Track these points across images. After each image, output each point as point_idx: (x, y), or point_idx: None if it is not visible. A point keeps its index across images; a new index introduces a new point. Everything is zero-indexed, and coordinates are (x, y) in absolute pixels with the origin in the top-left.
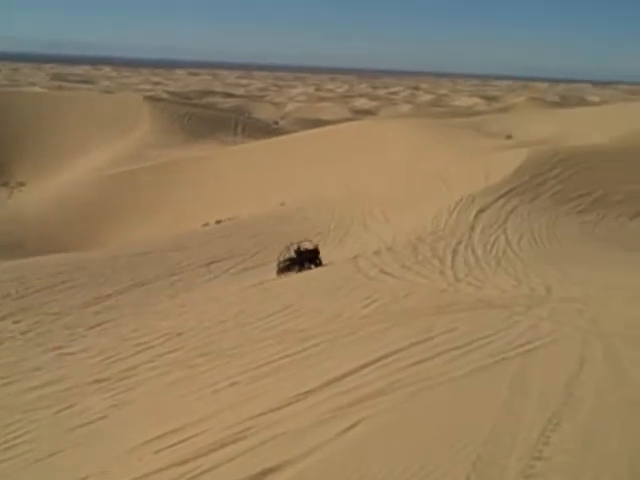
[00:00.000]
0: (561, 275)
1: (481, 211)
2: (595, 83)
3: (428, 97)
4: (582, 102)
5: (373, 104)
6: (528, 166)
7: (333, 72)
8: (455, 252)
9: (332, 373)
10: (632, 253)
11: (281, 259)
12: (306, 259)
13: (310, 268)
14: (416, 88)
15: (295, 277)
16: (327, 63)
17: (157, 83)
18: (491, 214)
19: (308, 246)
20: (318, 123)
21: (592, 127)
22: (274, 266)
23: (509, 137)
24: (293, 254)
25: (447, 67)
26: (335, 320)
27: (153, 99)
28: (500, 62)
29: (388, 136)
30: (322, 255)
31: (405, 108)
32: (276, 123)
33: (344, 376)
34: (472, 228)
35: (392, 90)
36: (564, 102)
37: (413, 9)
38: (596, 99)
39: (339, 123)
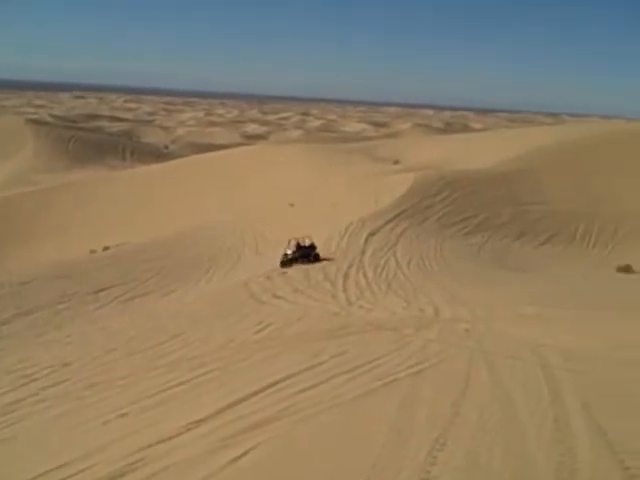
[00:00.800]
0: (449, 296)
1: (371, 235)
2: (477, 111)
3: (318, 123)
4: (466, 129)
5: (264, 129)
6: (415, 190)
7: (222, 97)
8: (347, 275)
9: (224, 401)
10: (516, 273)
11: (283, 254)
12: (305, 253)
13: (310, 261)
14: (306, 114)
15: (187, 303)
16: (216, 88)
17: (41, 106)
18: (381, 237)
19: (307, 242)
20: (210, 148)
21: (476, 152)
22: (167, 292)
23: (397, 162)
24: (294, 249)
25: (335, 94)
26: (227, 346)
27: (36, 122)
28: (387, 89)
29: (280, 161)
30: (216, 279)
31: (296, 133)
32: (166, 147)
33: (236, 403)
34: (363, 251)
35: (282, 116)
36: (449, 129)
37: (300, 36)
38: (479, 126)
39: (231, 148)
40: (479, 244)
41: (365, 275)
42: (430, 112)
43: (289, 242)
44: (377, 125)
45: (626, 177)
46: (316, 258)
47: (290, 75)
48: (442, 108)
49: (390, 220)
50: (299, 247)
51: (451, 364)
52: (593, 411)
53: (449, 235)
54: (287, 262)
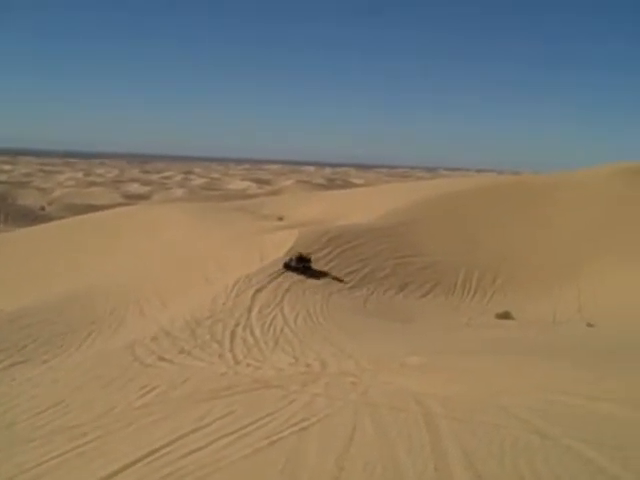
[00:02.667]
0: (336, 349)
1: (258, 291)
2: (358, 167)
3: (201, 181)
4: (347, 184)
5: (146, 188)
6: (300, 246)
7: (103, 157)
8: (234, 334)
9: (101, 472)
10: (401, 324)
11: (286, 261)
12: (302, 264)
13: (305, 269)
14: (189, 172)
15: (67, 370)
16: (97, 148)
17: None
18: (268, 294)
19: (304, 255)
20: (89, 208)
21: (358, 207)
22: (46, 358)
23: (281, 218)
24: (294, 259)
25: (218, 152)
26: (109, 414)
27: None
28: (269, 147)
29: (163, 220)
30: (99, 343)
31: (179, 192)
32: (43, 209)
33: (116, 473)
34: (250, 309)
35: (165, 174)
36: (331, 184)
37: (180, 94)
38: (360, 181)
39: (111, 208)
40: (364, 297)
41: (252, 333)
42: (312, 169)
43: (291, 253)
44: (261, 182)
45: (501, 226)
46: (308, 269)
47: (172, 134)
48: (323, 165)
49: (276, 276)
50: (300, 259)
51: (337, 418)
52: (472, 457)
53: (335, 289)
54: (288, 267)
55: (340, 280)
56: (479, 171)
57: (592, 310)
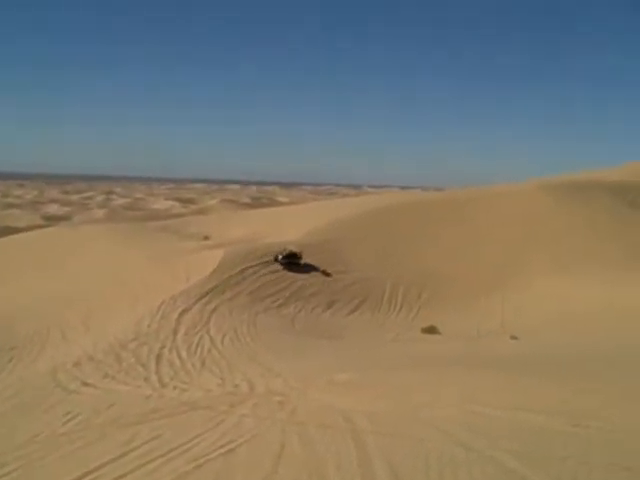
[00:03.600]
0: (264, 369)
1: (184, 312)
2: (283, 185)
3: (123, 201)
4: (273, 203)
5: (66, 209)
6: (226, 265)
7: (21, 178)
8: (159, 357)
9: None
10: (329, 341)
11: (278, 257)
12: (292, 259)
13: (292, 264)
14: (110, 192)
15: None
16: (15, 169)
17: None
18: (194, 315)
19: (295, 250)
20: (7, 230)
21: (284, 225)
22: None
23: (207, 238)
24: (286, 254)
25: (140, 171)
26: (31, 442)
27: None
28: (193, 166)
29: (86, 241)
30: (19, 370)
31: (100, 213)
32: None
33: None
34: (175, 331)
35: (85, 195)
36: (256, 203)
37: (100, 117)
38: (285, 199)
39: (30, 230)
40: (292, 315)
41: (179, 355)
42: (237, 187)
43: (284, 250)
44: (185, 202)
45: (426, 241)
46: (297, 264)
47: (93, 154)
48: (248, 183)
49: (202, 297)
50: (290, 255)
51: (265, 438)
52: (399, 472)
53: (262, 308)
54: (279, 263)
55: (328, 274)
56: (403, 188)
57: (515, 323)
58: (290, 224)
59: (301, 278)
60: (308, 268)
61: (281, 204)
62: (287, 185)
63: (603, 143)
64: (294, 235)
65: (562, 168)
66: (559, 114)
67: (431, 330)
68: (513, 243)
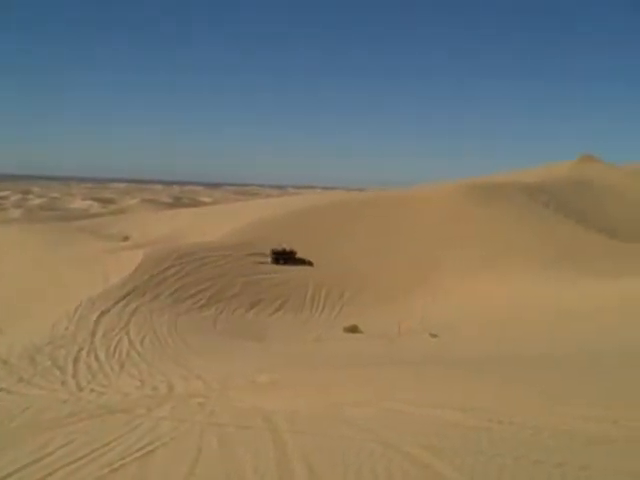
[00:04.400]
0: (185, 371)
1: (102, 314)
2: (206, 185)
3: (40, 201)
4: (195, 203)
5: None
6: (146, 266)
7: None
8: (77, 359)
9: None
10: (251, 342)
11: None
12: (286, 256)
13: (287, 262)
14: (26, 192)
15: None
16: None
17: None
18: (113, 317)
19: (287, 248)
20: None
21: (206, 225)
22: None
23: (126, 238)
24: (280, 251)
25: (59, 171)
26: None
27: None
28: (114, 165)
29: (1, 243)
30: None
31: (16, 213)
32: None
33: None
34: (94, 333)
35: (0, 194)
36: (178, 203)
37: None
38: (208, 200)
39: None
40: (214, 316)
41: (97, 357)
42: (159, 187)
43: (279, 246)
44: (104, 202)
45: (348, 241)
46: (293, 260)
47: (9, 152)
48: (170, 183)
49: (121, 298)
50: (284, 252)
51: (182, 441)
52: (317, 470)
53: (184, 309)
54: (274, 261)
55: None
56: (326, 188)
57: (436, 321)
58: (212, 224)
59: (223, 279)
60: (298, 262)
61: (204, 204)
62: (210, 185)
63: (519, 144)
64: (216, 235)
65: (480, 170)
66: (480, 116)
67: (353, 329)
68: (434, 243)
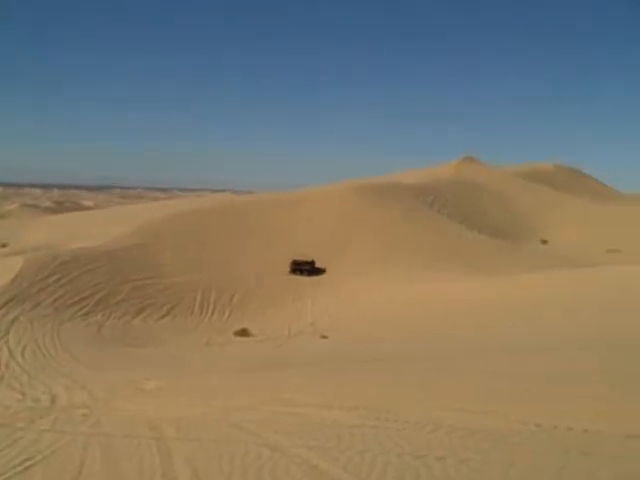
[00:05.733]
0: (68, 381)
1: None
2: (89, 188)
3: None
4: (78, 207)
5: None
6: (26, 273)
7: None
8: None
9: None
10: (139, 349)
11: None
12: (305, 268)
13: (307, 273)
14: None
15: None
16: None
17: None
18: None
19: (307, 259)
20: None
21: (90, 230)
22: None
23: (4, 245)
24: (301, 261)
25: None
26: None
27: None
28: None
29: None
30: None
31: None
32: None
33: None
34: None
35: None
36: (59, 208)
37: None
38: (91, 203)
39: None
40: (99, 323)
41: None
42: (38, 191)
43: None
44: None
45: (237, 244)
46: (314, 271)
47: None
48: (51, 187)
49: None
50: (305, 262)
51: (64, 453)
52: (202, 476)
53: (67, 317)
54: (293, 271)
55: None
56: (214, 191)
57: (325, 322)
58: (96, 229)
59: (108, 285)
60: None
61: (87, 208)
62: (93, 188)
63: (405, 145)
64: (100, 240)
65: (365, 171)
66: (368, 117)
67: (243, 333)
68: (325, 244)
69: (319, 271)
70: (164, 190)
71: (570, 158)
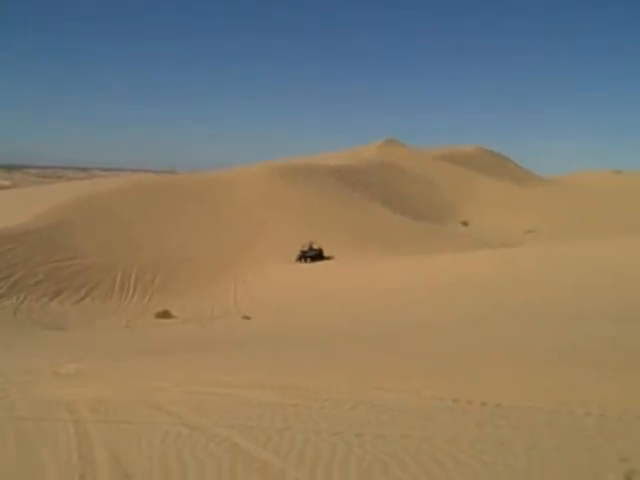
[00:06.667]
0: None
1: None
2: (2, 167)
3: None
4: None
5: None
6: None
7: None
8: None
9: None
10: (57, 332)
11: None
12: (313, 254)
13: (316, 259)
14: None
15: None
16: None
17: None
18: None
19: (315, 246)
20: None
21: (5, 210)
22: None
23: None
24: (307, 249)
25: None
26: None
27: None
28: None
29: None
30: None
31: None
32: None
33: None
34: None
35: None
36: None
37: None
38: (6, 183)
39: None
40: (15, 306)
41: None
42: None
43: (303, 245)
44: None
45: (159, 225)
46: (322, 257)
47: None
48: None
49: None
50: (311, 249)
51: None
52: (122, 459)
53: None
54: (301, 258)
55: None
56: (134, 171)
57: (249, 303)
58: (12, 209)
59: (24, 267)
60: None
61: (2, 188)
62: (8, 167)
63: (327, 127)
64: (16, 221)
65: (285, 152)
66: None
67: (165, 314)
68: (248, 225)
69: (323, 258)
70: (84, 169)
71: (491, 142)
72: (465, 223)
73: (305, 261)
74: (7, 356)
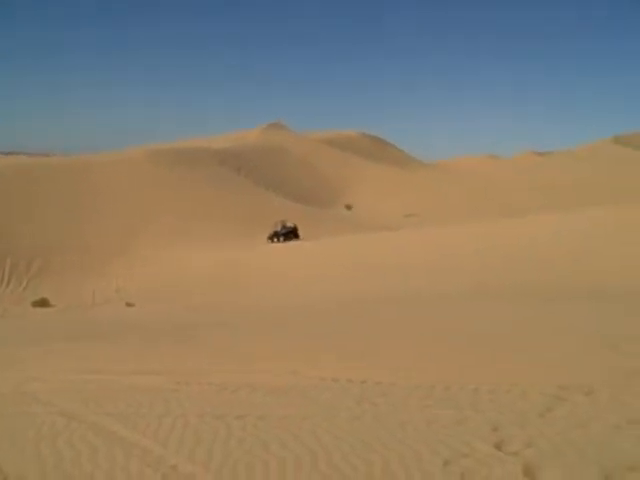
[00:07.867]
0: None
1: None
2: None
3: None
4: None
5: None
6: None
7: None
8: None
9: None
10: None
11: (271, 232)
12: (288, 232)
13: (291, 239)
14: None
15: None
16: None
17: None
18: None
19: (290, 224)
20: None
21: None
22: None
23: None
24: (280, 228)
25: None
26: None
27: None
28: None
29: None
30: None
31: None
32: None
33: None
34: None
35: None
36: None
37: None
38: None
39: None
40: None
41: None
42: None
43: (276, 223)
44: None
45: (35, 211)
46: (296, 236)
47: None
48: None
49: None
50: (284, 227)
51: None
52: None
53: None
54: (273, 237)
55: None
56: (5, 154)
57: (132, 290)
58: None
59: None
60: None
61: None
62: None
63: (207, 110)
64: None
65: (160, 137)
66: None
67: (43, 303)
68: (129, 210)
69: (297, 236)
70: None
71: (374, 127)
72: (349, 207)
73: (278, 240)
74: None
